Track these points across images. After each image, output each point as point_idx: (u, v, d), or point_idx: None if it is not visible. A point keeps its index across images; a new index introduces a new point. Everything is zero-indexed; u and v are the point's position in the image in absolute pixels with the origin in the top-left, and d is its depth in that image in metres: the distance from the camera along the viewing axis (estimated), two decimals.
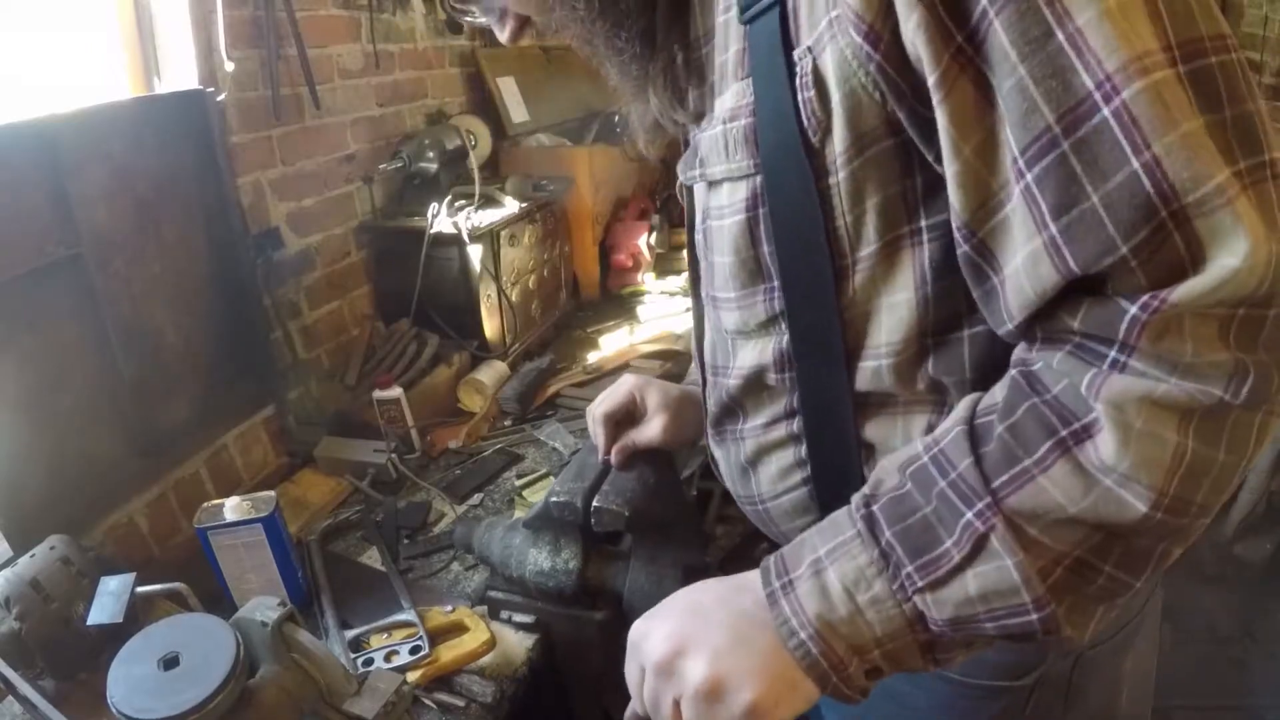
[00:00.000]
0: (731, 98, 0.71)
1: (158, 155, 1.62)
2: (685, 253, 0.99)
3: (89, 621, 1.07)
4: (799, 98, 0.63)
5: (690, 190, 0.88)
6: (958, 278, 0.62)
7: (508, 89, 2.91)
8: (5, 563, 1.22)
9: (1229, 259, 0.47)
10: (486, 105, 2.86)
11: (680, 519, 1.22)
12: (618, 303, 2.94)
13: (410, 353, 2.16)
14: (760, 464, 0.87)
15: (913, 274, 0.65)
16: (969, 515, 0.56)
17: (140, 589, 1.14)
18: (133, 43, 1.68)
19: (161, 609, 1.24)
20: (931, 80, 0.54)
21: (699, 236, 0.86)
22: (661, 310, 2.76)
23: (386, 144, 2.37)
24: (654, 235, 2.98)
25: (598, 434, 1.21)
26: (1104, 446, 0.52)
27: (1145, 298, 0.50)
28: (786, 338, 0.75)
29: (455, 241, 2.21)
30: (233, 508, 1.34)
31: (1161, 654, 1.01)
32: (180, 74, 1.71)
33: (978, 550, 0.56)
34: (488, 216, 2.28)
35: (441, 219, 2.21)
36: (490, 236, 2.27)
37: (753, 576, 0.68)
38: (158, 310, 1.65)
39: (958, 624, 0.58)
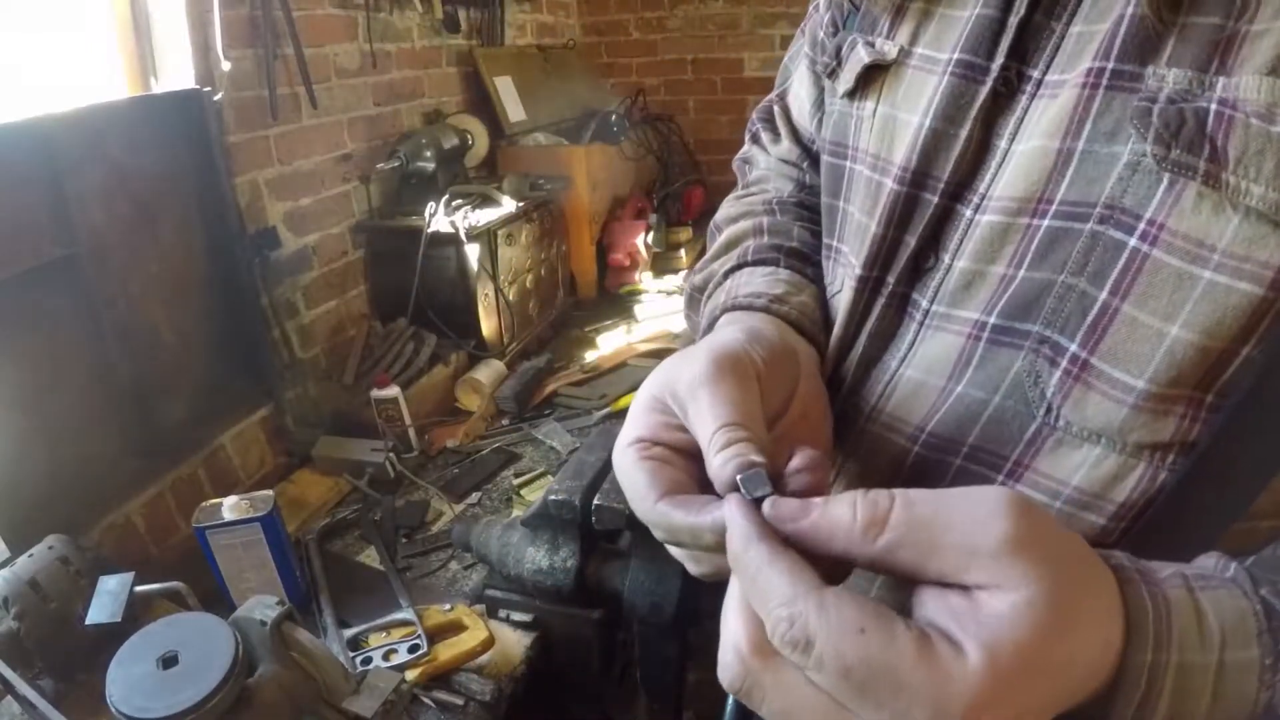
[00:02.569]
0: None
1: (155, 155, 1.62)
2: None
3: (87, 621, 1.07)
4: None
5: (1065, 158, 0.46)
6: None
7: (505, 88, 2.91)
8: (4, 563, 1.22)
9: None
10: (484, 104, 2.86)
11: None
12: (615, 302, 2.95)
13: (408, 352, 2.16)
14: None
15: None
16: None
17: (139, 588, 1.14)
18: (129, 43, 1.68)
19: (160, 608, 1.24)
20: None
21: (1091, 232, 0.44)
22: (659, 309, 2.76)
23: (384, 143, 2.37)
24: (651, 234, 2.98)
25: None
26: None
27: None
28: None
29: (452, 241, 2.21)
30: (231, 507, 1.34)
31: None
32: (177, 74, 1.71)
33: None
34: (485, 216, 2.29)
35: (439, 218, 2.21)
36: (487, 236, 2.28)
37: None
38: (155, 310, 1.65)
39: None
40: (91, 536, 1.41)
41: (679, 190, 3.58)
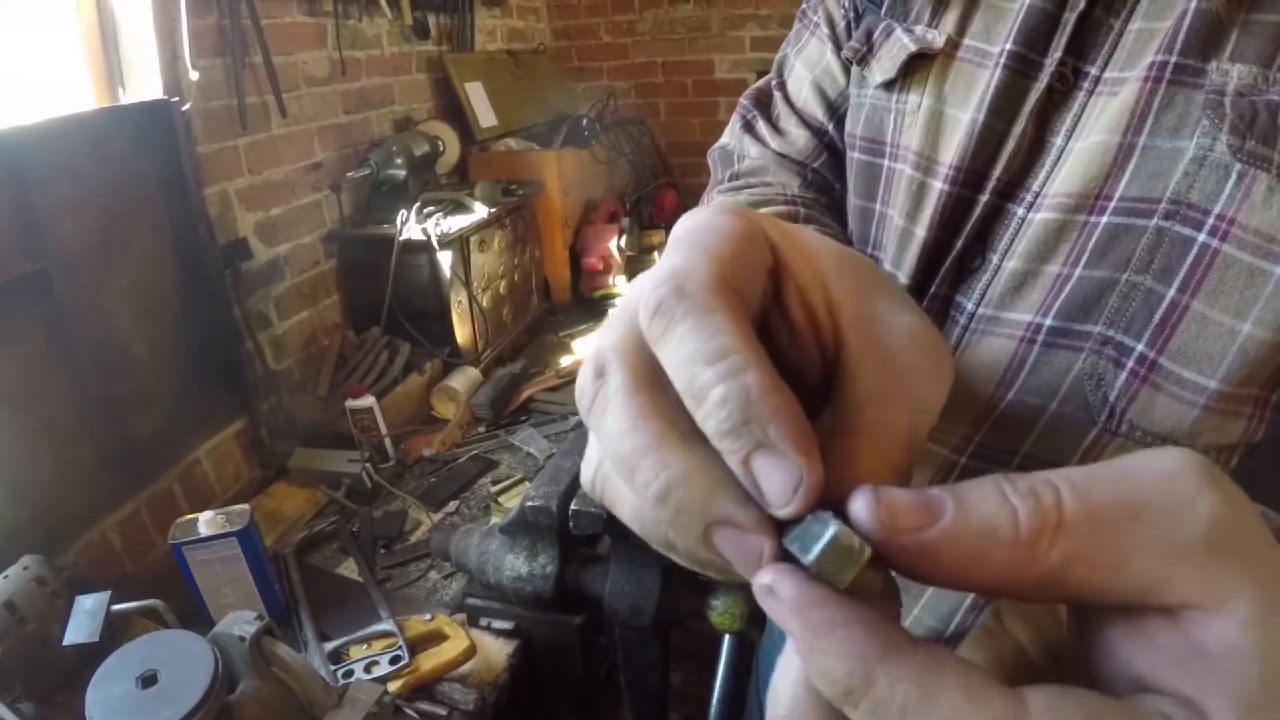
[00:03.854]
0: None
1: (124, 167, 1.61)
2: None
3: (65, 642, 1.07)
4: None
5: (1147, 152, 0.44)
6: None
7: (475, 94, 2.91)
8: None
9: None
10: (454, 111, 2.86)
11: None
12: (589, 306, 2.96)
13: (382, 361, 2.15)
14: None
15: None
16: None
17: (116, 607, 1.13)
18: (97, 54, 1.66)
19: (138, 627, 1.23)
20: None
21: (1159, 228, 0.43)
22: None
23: (354, 151, 2.36)
24: (624, 238, 3.00)
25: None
26: None
27: None
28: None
29: (425, 248, 2.21)
30: (207, 522, 1.33)
31: None
32: (145, 84, 1.70)
33: None
34: (457, 222, 2.28)
35: (410, 226, 2.21)
36: (460, 242, 2.28)
37: None
38: (127, 324, 1.63)
39: None
40: (67, 556, 1.40)
41: (651, 193, 3.60)
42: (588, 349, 0.28)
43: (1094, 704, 0.21)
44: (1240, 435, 0.43)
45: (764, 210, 0.60)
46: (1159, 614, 0.22)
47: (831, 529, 0.22)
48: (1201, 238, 0.41)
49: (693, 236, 0.27)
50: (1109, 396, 0.45)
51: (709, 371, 0.23)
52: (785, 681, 0.24)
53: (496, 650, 1.32)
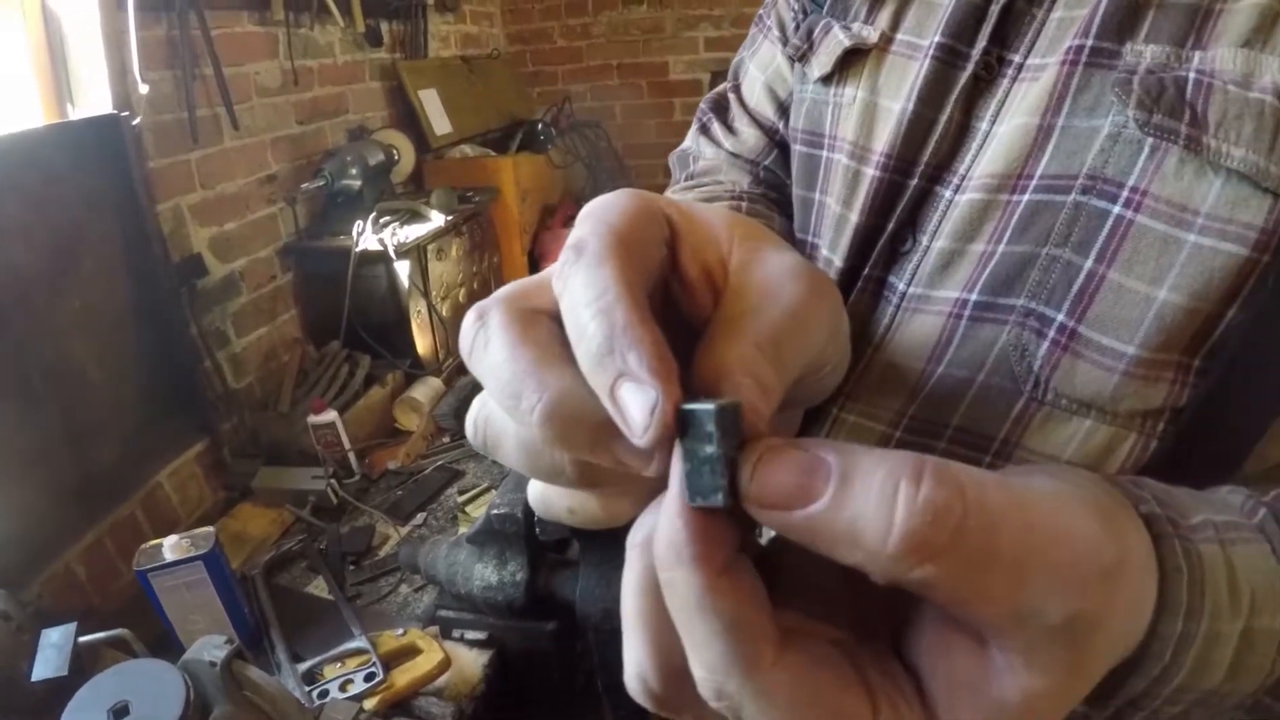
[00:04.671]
0: None
1: (74, 184, 1.58)
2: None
3: (34, 677, 1.05)
4: None
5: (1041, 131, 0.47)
6: None
7: (430, 101, 2.89)
8: None
9: None
10: (409, 118, 2.84)
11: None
12: None
13: (343, 375, 2.14)
14: None
15: None
16: None
17: (83, 639, 1.12)
18: (45, 69, 1.63)
19: (107, 658, 1.21)
20: None
21: (1071, 201, 0.45)
22: None
23: (308, 162, 2.34)
24: None
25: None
26: None
27: None
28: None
29: (382, 259, 2.20)
30: (171, 547, 1.32)
31: None
32: (94, 99, 1.67)
33: None
34: (414, 231, 2.28)
35: (367, 236, 2.19)
36: (417, 251, 2.27)
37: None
38: (80, 347, 1.60)
39: None
40: (31, 589, 1.37)
41: None
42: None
43: (842, 698, 0.24)
44: (1164, 400, 0.44)
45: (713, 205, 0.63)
46: (971, 640, 0.24)
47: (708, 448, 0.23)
48: (1116, 209, 0.43)
49: (596, 211, 0.29)
50: (1033, 366, 0.46)
51: (587, 311, 0.25)
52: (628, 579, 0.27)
53: (471, 661, 1.33)
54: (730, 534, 0.24)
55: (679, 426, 0.23)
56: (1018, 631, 0.23)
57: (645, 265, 0.28)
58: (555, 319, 0.28)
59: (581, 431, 0.25)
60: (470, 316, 0.29)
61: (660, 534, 0.24)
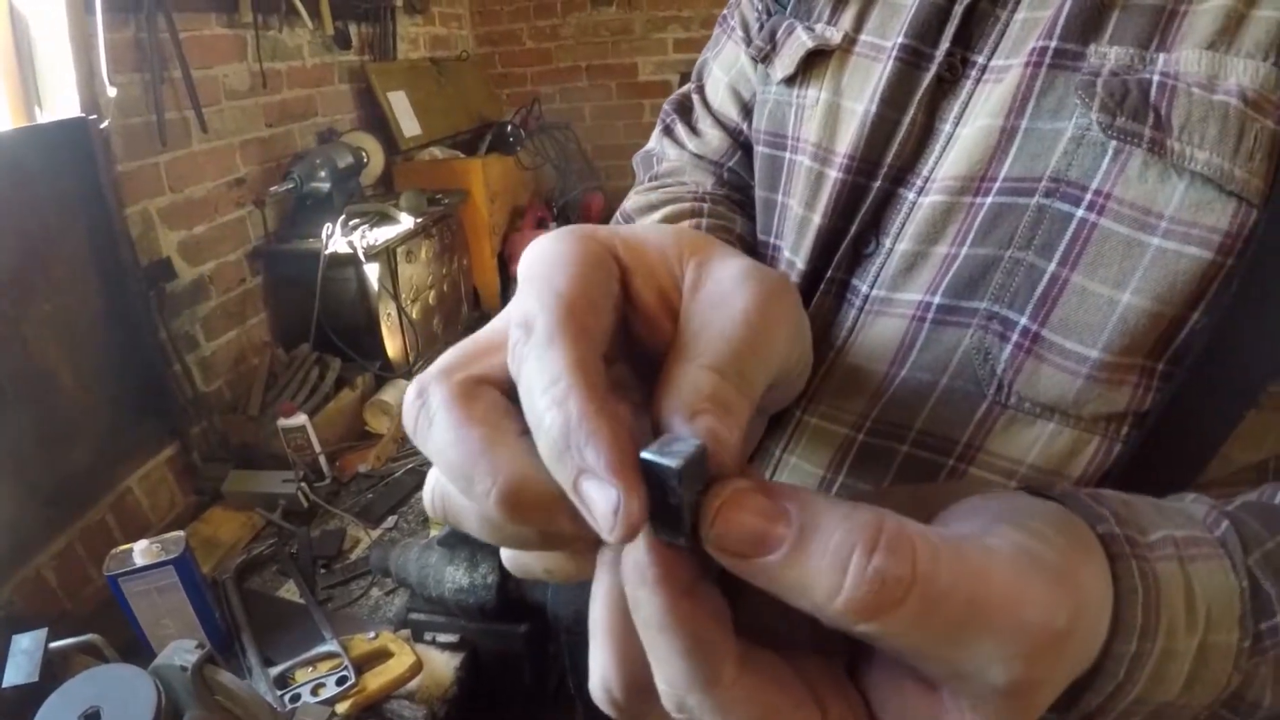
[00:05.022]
0: (1247, 73, 0.40)
1: (42, 188, 1.56)
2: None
3: (4, 684, 1.05)
4: None
5: (1009, 133, 0.46)
6: None
7: (399, 103, 2.89)
8: None
9: None
10: (378, 121, 2.84)
11: None
12: None
13: (313, 378, 2.14)
14: None
15: None
16: None
17: (54, 644, 1.12)
18: (12, 72, 1.61)
19: (78, 663, 1.21)
20: None
21: (1037, 202, 0.45)
22: None
23: (277, 165, 2.33)
24: None
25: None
26: None
27: None
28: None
29: (351, 261, 2.20)
30: (142, 552, 1.32)
31: None
32: (62, 102, 1.66)
33: None
34: (383, 234, 2.28)
35: (336, 239, 2.20)
36: (387, 254, 2.28)
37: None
38: (50, 352, 1.59)
39: None
40: (1, 595, 1.37)
41: (578, 198, 3.62)
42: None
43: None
44: (1127, 404, 0.43)
45: (671, 208, 0.64)
46: (923, 684, 0.25)
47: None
48: (1080, 213, 0.42)
49: (543, 270, 0.28)
50: (996, 369, 0.46)
51: (542, 400, 0.24)
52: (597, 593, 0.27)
53: (443, 664, 1.35)
54: (694, 559, 0.25)
55: (644, 474, 0.23)
56: (962, 686, 0.24)
57: (600, 326, 0.28)
58: (501, 386, 0.28)
59: (540, 509, 0.25)
60: (410, 393, 0.28)
61: (626, 555, 0.25)
